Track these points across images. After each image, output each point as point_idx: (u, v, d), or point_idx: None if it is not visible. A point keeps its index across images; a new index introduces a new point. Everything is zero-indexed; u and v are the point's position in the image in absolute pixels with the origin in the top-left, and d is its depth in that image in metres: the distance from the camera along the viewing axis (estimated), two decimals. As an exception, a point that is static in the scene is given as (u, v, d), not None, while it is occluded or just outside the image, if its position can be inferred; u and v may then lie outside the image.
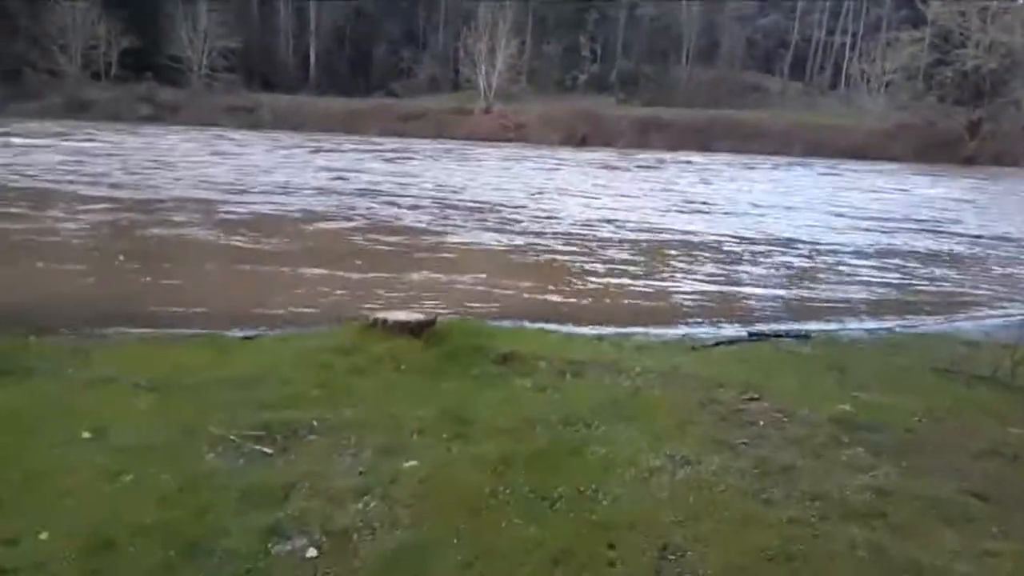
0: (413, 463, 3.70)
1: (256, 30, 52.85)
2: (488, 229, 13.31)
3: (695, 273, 10.61)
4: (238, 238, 11.43)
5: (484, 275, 9.70)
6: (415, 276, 9.41)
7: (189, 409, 4.36)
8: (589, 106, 46.98)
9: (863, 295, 9.77)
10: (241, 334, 6.43)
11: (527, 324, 7.14)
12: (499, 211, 15.51)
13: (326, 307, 7.81)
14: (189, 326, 6.75)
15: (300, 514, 3.21)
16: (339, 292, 8.54)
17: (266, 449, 3.88)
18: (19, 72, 40.13)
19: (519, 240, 12.40)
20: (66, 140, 28.15)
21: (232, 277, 9.41)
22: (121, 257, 9.91)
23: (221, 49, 45.93)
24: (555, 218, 14.91)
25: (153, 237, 11.36)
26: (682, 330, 7.38)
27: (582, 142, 42.17)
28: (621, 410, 4.59)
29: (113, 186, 16.64)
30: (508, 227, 13.59)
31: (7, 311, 6.94)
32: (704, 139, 42.63)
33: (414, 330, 5.69)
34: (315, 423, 4.22)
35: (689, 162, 34.07)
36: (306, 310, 7.68)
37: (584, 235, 13.18)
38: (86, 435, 3.89)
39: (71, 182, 16.91)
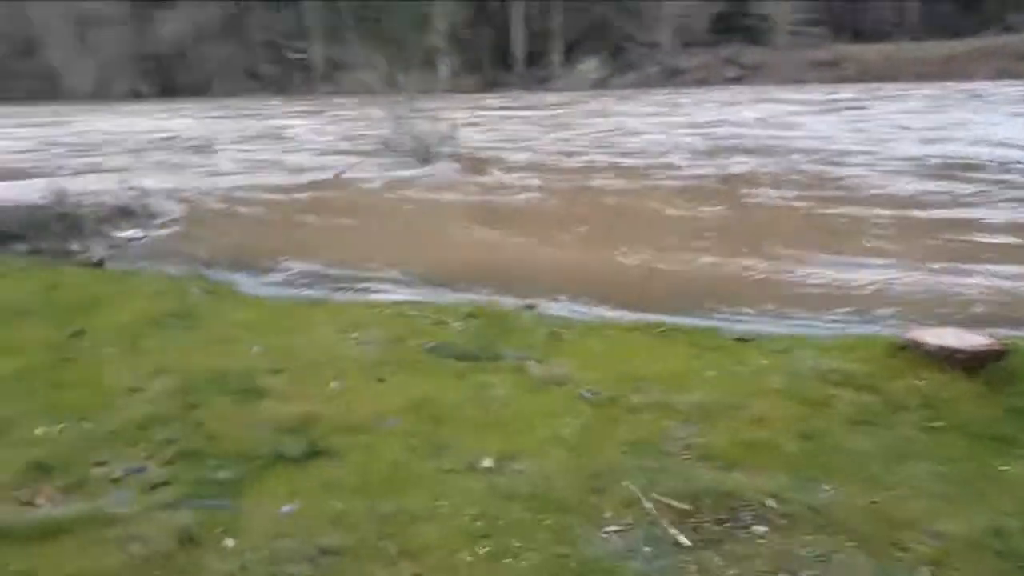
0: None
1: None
2: None
3: None
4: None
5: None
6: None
7: (617, 443, 3.40)
8: None
9: None
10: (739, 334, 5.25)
11: None
12: None
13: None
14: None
15: None
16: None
17: (683, 539, 2.68)
18: (622, 48, 44.62)
19: None
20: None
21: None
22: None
23: (806, 4, 43.94)
24: None
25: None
26: None
27: None
28: None
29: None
30: None
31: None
32: None
33: (967, 363, 3.76)
34: (771, 503, 2.86)
35: None
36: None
37: None
38: (486, 463, 3.23)
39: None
